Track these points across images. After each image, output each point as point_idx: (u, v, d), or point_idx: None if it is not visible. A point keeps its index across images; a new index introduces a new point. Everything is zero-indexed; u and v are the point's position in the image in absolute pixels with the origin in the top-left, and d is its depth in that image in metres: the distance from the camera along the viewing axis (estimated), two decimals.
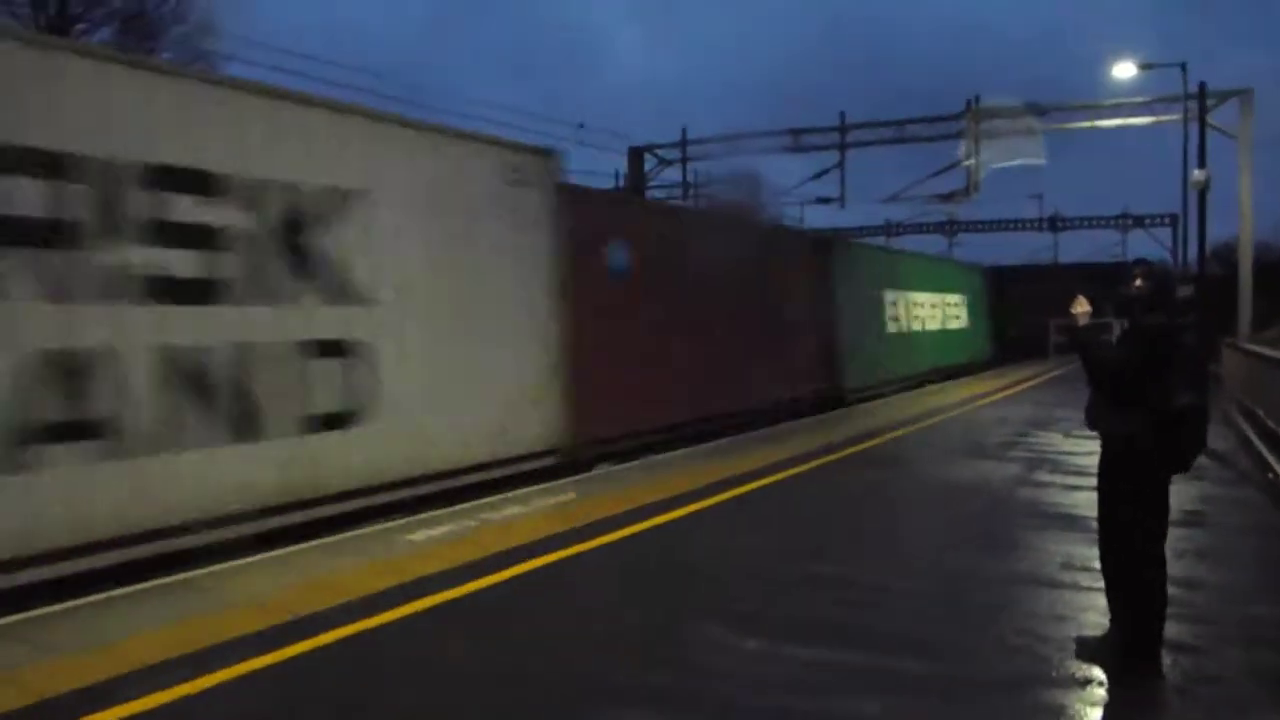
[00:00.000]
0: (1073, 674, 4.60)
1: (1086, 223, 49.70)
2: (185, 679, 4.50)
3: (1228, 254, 30.49)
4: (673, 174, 33.42)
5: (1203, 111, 17.67)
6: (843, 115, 29.50)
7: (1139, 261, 4.89)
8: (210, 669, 4.62)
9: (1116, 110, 25.98)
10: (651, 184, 33.13)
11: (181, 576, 6.30)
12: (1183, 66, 18.81)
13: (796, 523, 8.20)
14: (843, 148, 29.72)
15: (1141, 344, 4.58)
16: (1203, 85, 18.21)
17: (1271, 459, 10.59)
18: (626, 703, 4.37)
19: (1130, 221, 47.77)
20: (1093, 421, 4.85)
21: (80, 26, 26.90)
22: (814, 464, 11.16)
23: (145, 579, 6.23)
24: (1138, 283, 4.68)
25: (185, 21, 28.81)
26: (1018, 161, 26.43)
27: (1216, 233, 28.71)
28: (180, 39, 28.64)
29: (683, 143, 32.58)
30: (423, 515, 8.26)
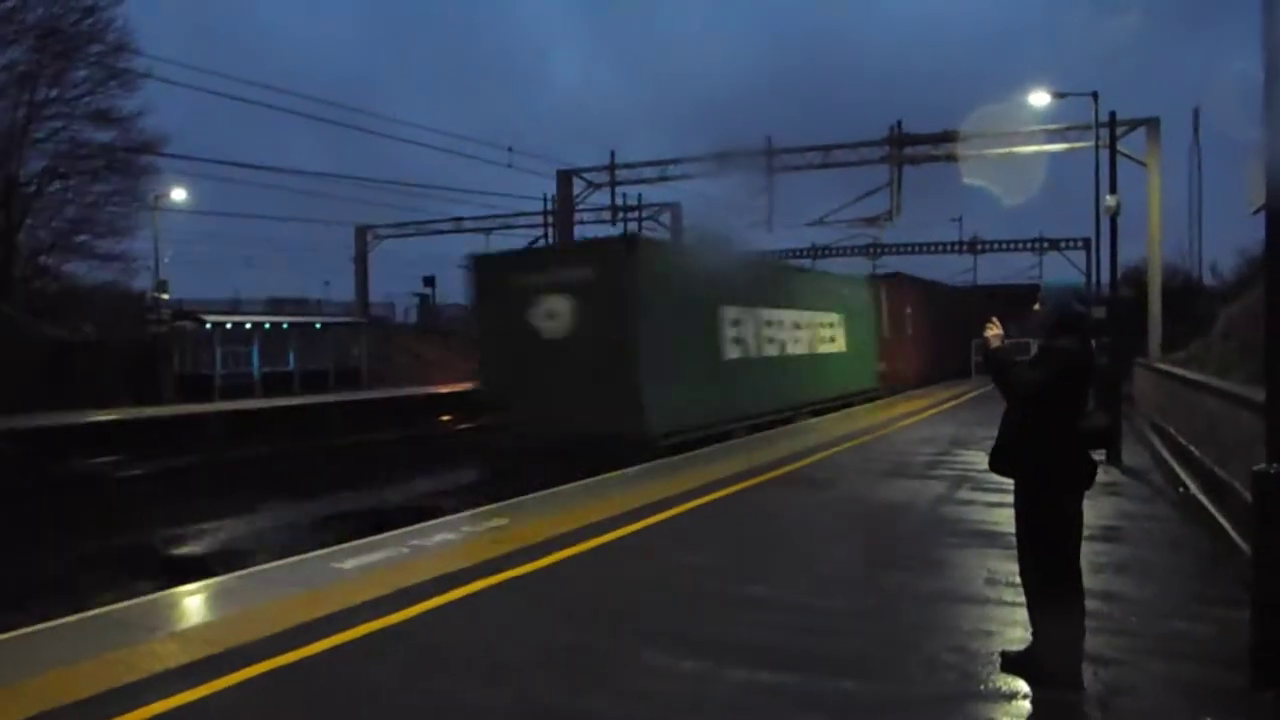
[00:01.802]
0: (999, 688, 4.71)
1: (1004, 246, 51.21)
2: (107, 716, 4.36)
3: (1138, 277, 31.58)
4: (601, 197, 33.59)
5: (1113, 139, 18.31)
6: (769, 140, 29.99)
7: (1070, 288, 5.01)
8: (132, 706, 4.49)
9: (1033, 137, 26.85)
10: (579, 206, 33.24)
11: (106, 609, 6.12)
12: (1094, 95, 19.44)
13: (730, 544, 8.26)
14: (770, 172, 30.18)
15: (1053, 365, 4.71)
16: (1113, 114, 18.83)
17: (1183, 475, 10.96)
18: None
19: (1046, 244, 49.33)
20: (1000, 466, 4.94)
21: None
22: (746, 484, 11.26)
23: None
24: (1036, 306, 4.83)
25: (102, 40, 28.19)
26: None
27: (1126, 255, 29.71)
28: (96, 57, 28.00)
29: (611, 166, 32.78)
30: (354, 543, 8.14)
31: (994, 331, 4.89)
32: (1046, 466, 4.65)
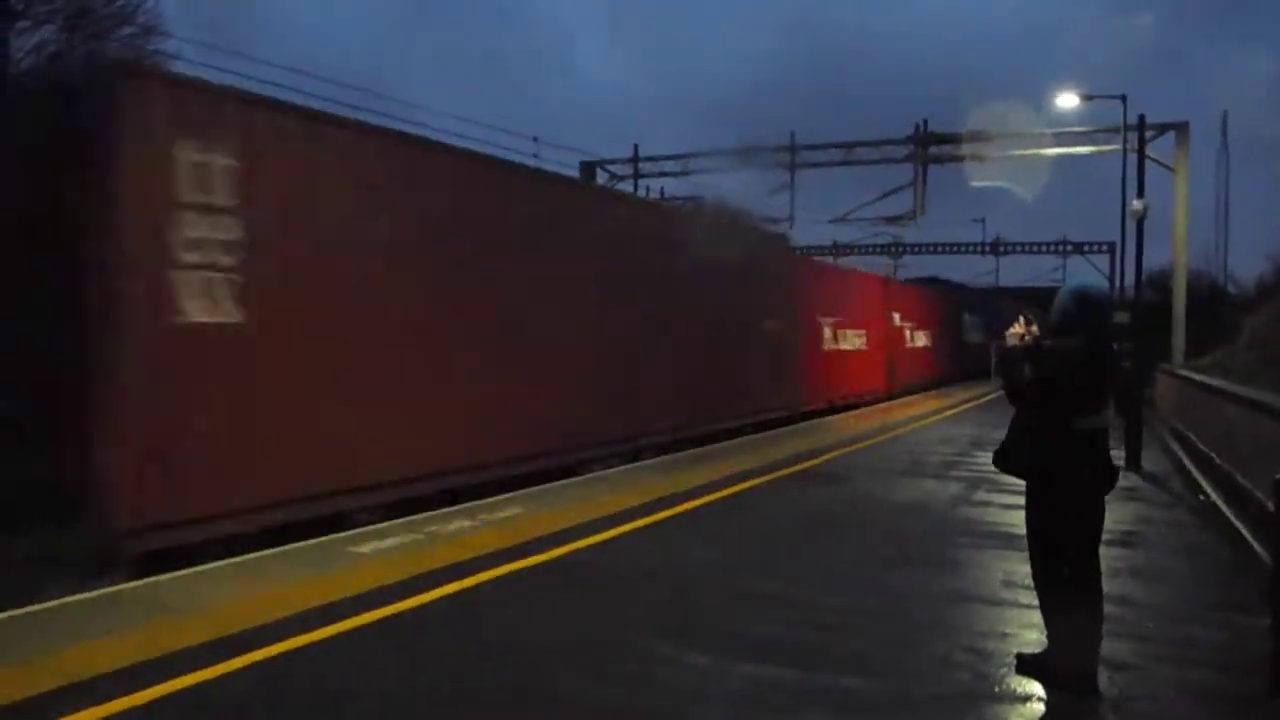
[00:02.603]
0: (1013, 690, 4.69)
1: (1027, 248, 50.84)
2: (123, 694, 4.39)
3: (1162, 281, 31.30)
4: (624, 189, 33.54)
5: (1142, 143, 18.15)
6: (793, 135, 29.89)
7: (1074, 289, 4.98)
8: (149, 683, 4.52)
9: (1059, 139, 26.61)
10: None
11: (120, 588, 6.18)
12: (1123, 98, 19.33)
13: (743, 539, 8.25)
14: (793, 168, 30.07)
15: (1044, 366, 4.69)
16: (1142, 118, 18.67)
17: (1204, 481, 10.89)
18: (568, 718, 4.37)
19: (1069, 248, 48.96)
20: (1004, 465, 4.95)
21: (23, 24, 26.33)
22: (760, 480, 11.24)
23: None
24: (1057, 310, 4.82)
25: (132, 22, 28.36)
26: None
27: (1151, 260, 29.49)
28: (127, 39, 28.19)
29: (634, 159, 32.74)
30: (371, 528, 8.18)
31: (1014, 330, 4.89)
32: (1048, 468, 4.65)
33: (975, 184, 27.90)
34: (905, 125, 28.74)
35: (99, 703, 4.29)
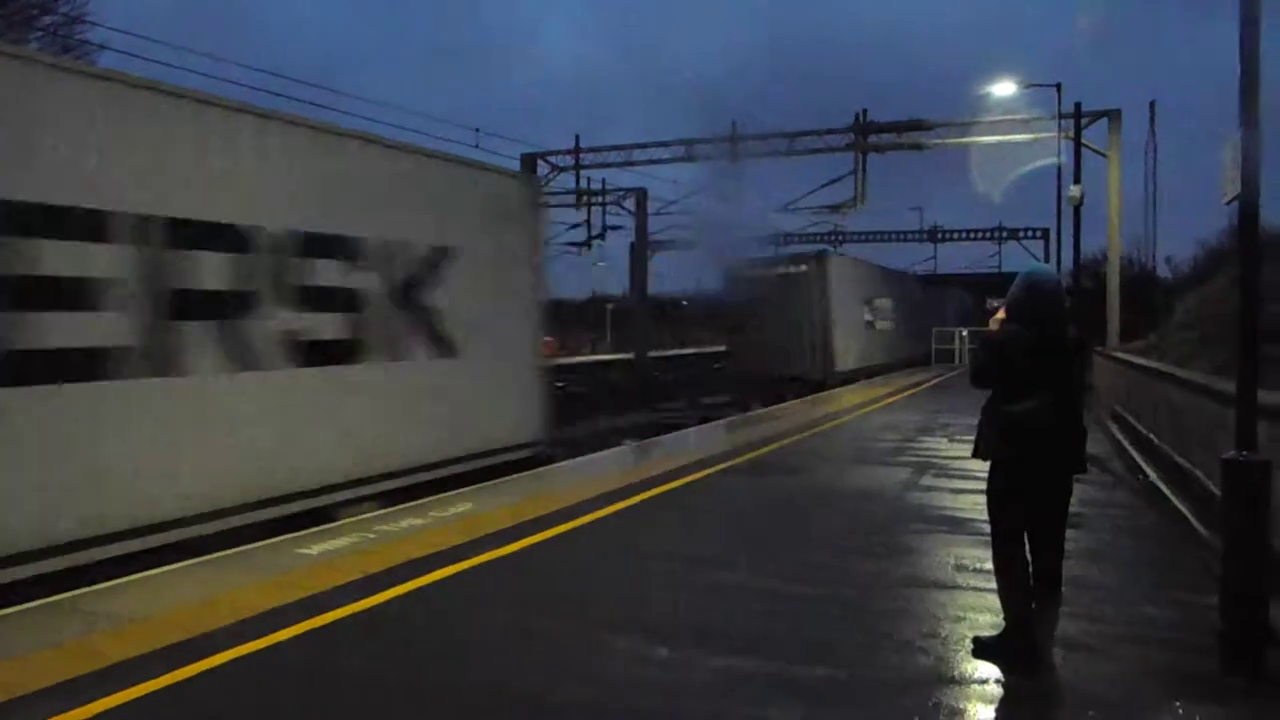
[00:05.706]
0: (971, 674, 4.73)
1: (965, 235, 51.74)
2: (65, 709, 4.24)
3: (1094, 268, 31.97)
4: (568, 179, 33.42)
5: (1078, 130, 18.50)
6: (734, 125, 29.98)
7: (1023, 276, 5.10)
8: (93, 696, 4.37)
9: (996, 127, 27.01)
10: (545, 190, 33.05)
11: (62, 596, 5.97)
12: (1058, 87, 19.69)
13: (699, 531, 8.24)
14: (735, 158, 30.18)
15: (982, 352, 4.94)
16: (1078, 105, 19.11)
17: (1144, 463, 11.12)
18: (538, 716, 4.31)
19: (1005, 234, 49.90)
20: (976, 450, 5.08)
21: None
22: (712, 470, 11.25)
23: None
24: (997, 302, 4.99)
25: (54, 11, 27.54)
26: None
27: (1084, 246, 30.07)
28: (50, 28, 27.36)
29: (575, 150, 32.61)
30: (319, 528, 8.02)
31: (998, 315, 5.03)
32: (995, 451, 4.80)
33: (915, 172, 28.32)
34: (878, 114, 29.02)
35: (43, 717, 4.14)
